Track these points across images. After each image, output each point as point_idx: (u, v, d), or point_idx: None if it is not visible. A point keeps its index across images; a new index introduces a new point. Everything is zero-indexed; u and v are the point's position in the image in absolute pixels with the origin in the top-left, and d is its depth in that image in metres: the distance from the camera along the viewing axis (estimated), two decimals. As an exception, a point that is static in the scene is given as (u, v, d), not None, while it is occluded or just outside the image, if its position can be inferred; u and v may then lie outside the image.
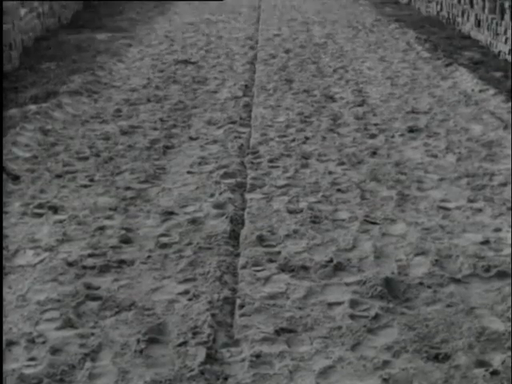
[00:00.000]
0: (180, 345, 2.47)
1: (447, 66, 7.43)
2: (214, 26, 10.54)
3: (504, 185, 4.05)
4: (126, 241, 3.34)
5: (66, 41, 8.83)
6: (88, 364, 2.36)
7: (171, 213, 3.68)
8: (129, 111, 5.83)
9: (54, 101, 5.83)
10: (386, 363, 2.36)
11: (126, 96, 6.33)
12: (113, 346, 2.47)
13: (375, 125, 5.39)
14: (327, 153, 4.71)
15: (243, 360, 2.40)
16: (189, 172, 4.35)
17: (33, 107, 5.62)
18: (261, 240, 3.32)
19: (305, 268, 3.03)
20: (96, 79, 6.81)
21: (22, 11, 8.18)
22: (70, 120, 5.53)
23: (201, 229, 3.46)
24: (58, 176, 4.25)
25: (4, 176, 4.12)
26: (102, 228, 3.48)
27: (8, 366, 2.36)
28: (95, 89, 6.49)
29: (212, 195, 3.92)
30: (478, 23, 8.99)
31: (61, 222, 3.57)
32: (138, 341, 2.49)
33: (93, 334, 2.54)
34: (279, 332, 2.55)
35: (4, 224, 3.51)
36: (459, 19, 9.91)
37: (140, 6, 12.68)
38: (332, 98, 6.24)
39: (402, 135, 5.08)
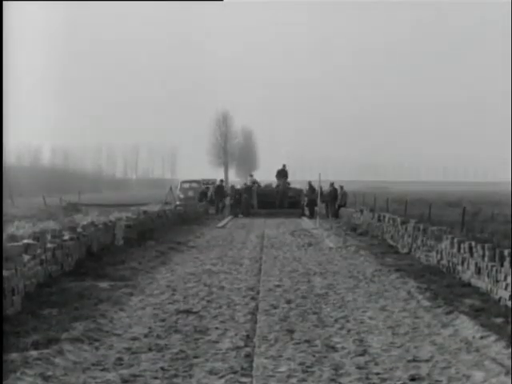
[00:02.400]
0: None
1: (448, 313, 8.06)
2: (215, 277, 11.44)
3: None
4: None
5: (68, 288, 9.60)
6: None
7: None
8: (130, 359, 6.28)
9: (56, 347, 6.29)
10: None
11: (127, 344, 6.82)
12: None
13: (377, 374, 5.81)
14: (329, 402, 5.05)
15: None
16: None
17: (34, 353, 6.06)
18: None
19: None
20: (97, 327, 7.36)
21: (25, 257, 9.07)
22: (71, 367, 5.95)
23: None
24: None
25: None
26: None
27: None
28: (96, 336, 7.00)
29: None
30: (478, 271, 9.84)
31: None
32: None
33: None
34: None
35: None
36: (459, 267, 10.82)
37: (142, 256, 13.80)
38: (333, 348, 6.74)
39: (403, 384, 5.49)
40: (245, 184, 33.42)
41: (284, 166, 34.38)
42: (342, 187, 30.40)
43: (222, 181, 35.32)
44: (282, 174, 34.04)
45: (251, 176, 34.41)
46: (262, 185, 34.57)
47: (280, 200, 32.24)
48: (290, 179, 34.26)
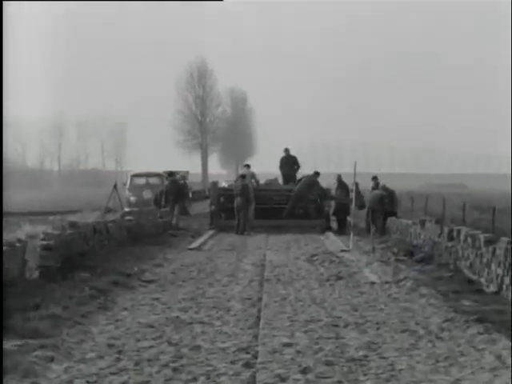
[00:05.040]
0: None
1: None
2: (186, 330, 11.46)
3: None
4: None
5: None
6: None
7: None
8: None
9: None
10: None
11: None
12: None
13: None
14: None
15: None
16: None
17: None
18: None
19: None
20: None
21: None
22: None
23: None
24: None
25: None
26: None
27: None
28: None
29: None
30: None
31: None
32: None
33: None
34: None
35: None
36: None
37: (68, 296, 13.73)
38: None
39: None
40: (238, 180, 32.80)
41: (287, 150, 34.37)
42: (385, 187, 30.00)
43: (172, 174, 33.82)
44: (289, 163, 34.00)
45: (247, 166, 33.83)
46: (262, 182, 34.47)
47: (292, 206, 32.08)
48: (303, 172, 34.20)
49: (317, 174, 32.95)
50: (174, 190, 31.89)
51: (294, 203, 32.07)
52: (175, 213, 31.13)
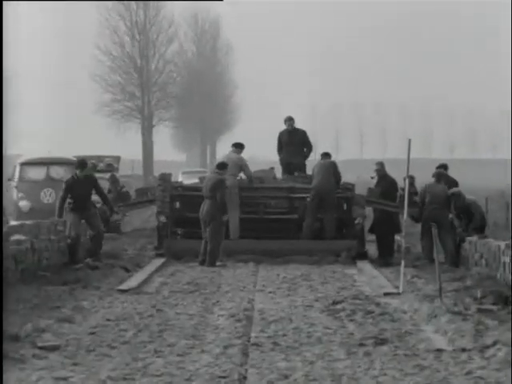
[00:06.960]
0: None
1: None
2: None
3: None
4: None
5: None
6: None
7: None
8: None
9: None
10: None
11: None
12: None
13: None
14: None
15: None
16: None
17: None
18: None
19: None
20: None
21: None
22: None
23: None
24: None
25: None
26: None
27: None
28: None
29: None
30: None
31: None
32: None
33: None
34: None
35: None
36: None
37: None
38: None
39: None
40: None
41: (290, 121, 34.75)
42: (456, 193, 29.60)
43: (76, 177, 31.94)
44: (294, 142, 34.28)
45: (237, 147, 33.48)
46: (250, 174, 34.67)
47: (313, 216, 32.02)
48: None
49: (327, 155, 33.10)
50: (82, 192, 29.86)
51: (316, 210, 32.07)
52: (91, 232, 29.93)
